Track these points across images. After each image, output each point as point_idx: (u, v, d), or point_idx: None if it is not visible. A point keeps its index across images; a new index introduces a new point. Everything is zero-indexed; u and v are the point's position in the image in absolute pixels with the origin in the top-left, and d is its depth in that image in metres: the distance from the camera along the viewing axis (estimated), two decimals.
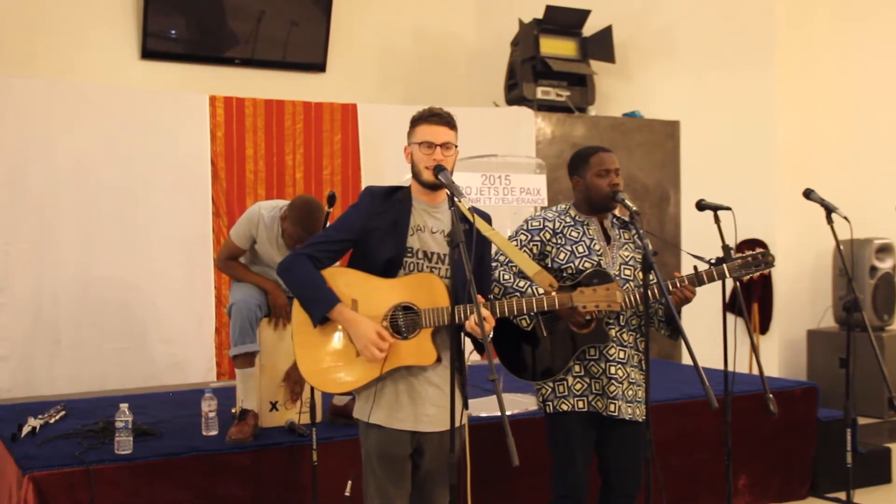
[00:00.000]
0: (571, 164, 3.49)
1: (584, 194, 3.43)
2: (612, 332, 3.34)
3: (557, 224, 3.40)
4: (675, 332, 3.46)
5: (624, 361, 3.35)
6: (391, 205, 3.05)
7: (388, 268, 3.00)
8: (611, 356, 3.33)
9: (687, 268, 3.47)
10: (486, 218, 3.16)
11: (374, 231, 3.01)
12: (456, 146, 3.06)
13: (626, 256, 3.41)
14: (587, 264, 3.32)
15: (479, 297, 2.84)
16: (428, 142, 3.00)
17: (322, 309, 2.96)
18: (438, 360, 3.00)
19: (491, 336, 2.98)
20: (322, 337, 3.02)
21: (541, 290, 3.20)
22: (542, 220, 3.41)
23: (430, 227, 3.05)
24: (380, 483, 3.01)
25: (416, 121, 3.07)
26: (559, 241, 3.37)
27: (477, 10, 8.44)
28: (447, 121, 3.05)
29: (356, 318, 2.95)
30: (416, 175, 3.06)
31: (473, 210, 3.05)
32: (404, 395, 3.00)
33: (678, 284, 3.31)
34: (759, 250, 3.44)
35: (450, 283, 2.91)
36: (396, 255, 2.99)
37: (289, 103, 6.54)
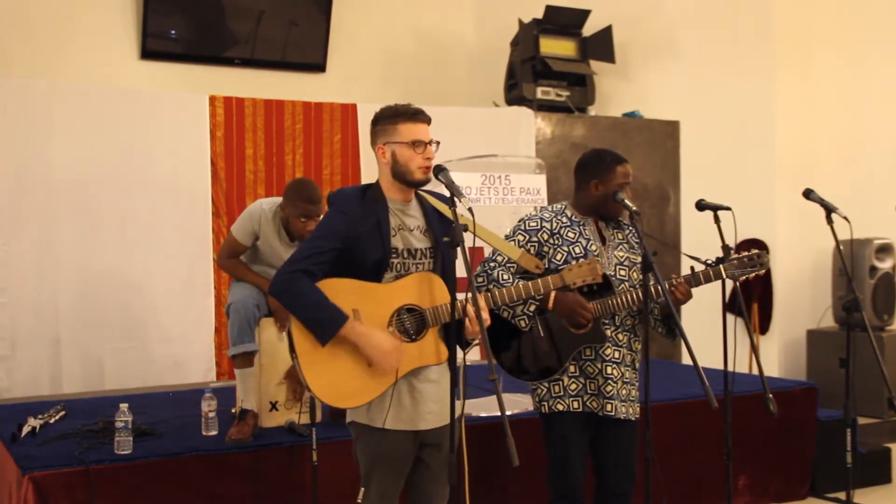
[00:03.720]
0: (591, 167, 3.44)
1: (599, 200, 3.41)
2: (608, 333, 3.35)
3: (554, 225, 3.40)
4: (671, 331, 3.47)
5: (619, 361, 3.36)
6: (368, 206, 3.00)
7: (376, 270, 2.96)
8: (607, 356, 3.34)
9: (686, 268, 3.48)
10: (446, 201, 3.04)
11: (359, 235, 2.95)
12: (437, 142, 3.03)
13: (621, 257, 3.42)
14: (592, 257, 3.33)
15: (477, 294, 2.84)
16: (418, 141, 2.97)
17: (331, 329, 2.87)
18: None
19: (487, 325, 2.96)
20: (330, 352, 2.92)
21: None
22: (539, 221, 3.41)
23: (408, 225, 3.03)
24: (384, 486, 3.00)
25: (395, 119, 3.00)
26: (556, 242, 3.37)
27: (477, 10, 8.44)
28: (428, 117, 3.03)
29: (367, 332, 2.89)
30: (401, 175, 2.99)
31: (438, 196, 3.04)
32: (406, 395, 2.99)
33: (674, 284, 3.33)
34: (754, 251, 3.44)
35: (443, 277, 2.90)
36: (383, 256, 2.96)
37: (288, 103, 6.54)
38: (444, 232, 2.92)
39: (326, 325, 2.87)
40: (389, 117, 3.02)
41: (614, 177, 3.38)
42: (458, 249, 2.80)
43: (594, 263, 3.14)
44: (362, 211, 2.99)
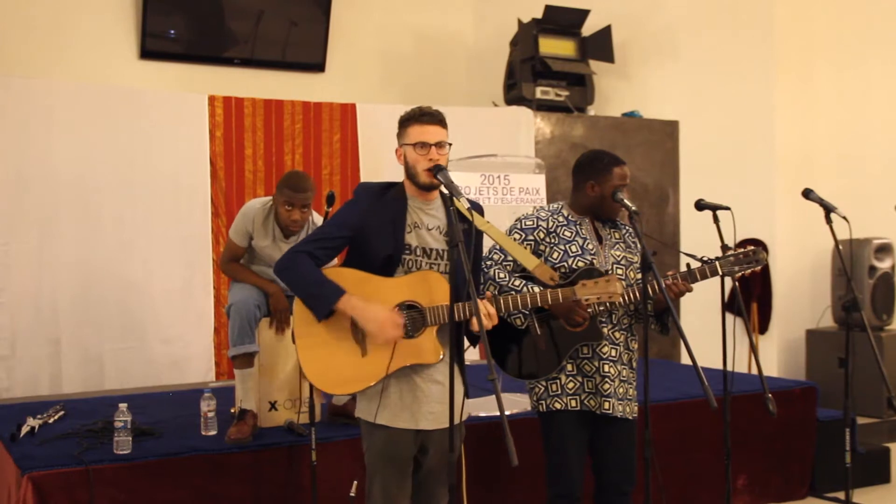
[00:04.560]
0: (587, 168, 3.45)
1: (595, 201, 3.42)
2: (605, 331, 3.36)
3: (550, 224, 3.41)
4: (665, 327, 3.48)
5: (616, 360, 3.38)
6: (386, 202, 3.03)
7: (387, 265, 2.99)
8: (604, 354, 3.35)
9: (684, 268, 3.48)
10: (479, 209, 3.12)
11: (371, 228, 2.98)
12: (449, 144, 3.04)
13: (618, 256, 3.44)
14: (580, 263, 3.34)
15: (483, 296, 2.86)
16: (422, 142, 2.98)
17: (328, 302, 2.91)
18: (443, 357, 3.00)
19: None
20: (326, 338, 2.98)
21: (536, 288, 3.21)
22: (535, 220, 3.42)
23: (426, 224, 3.04)
24: (384, 483, 3.00)
25: (407, 121, 3.04)
26: (553, 241, 3.38)
27: (476, 10, 8.44)
28: (439, 119, 3.03)
29: (366, 304, 2.92)
30: (411, 176, 3.03)
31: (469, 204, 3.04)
32: (408, 394, 2.99)
33: (671, 280, 3.34)
34: (750, 248, 3.44)
35: (450, 281, 2.91)
36: (395, 252, 2.98)
37: (288, 103, 6.55)
38: (465, 237, 2.93)
39: (323, 299, 2.92)
40: (403, 120, 3.07)
41: (611, 178, 3.39)
42: (460, 251, 2.81)
43: (613, 281, 3.12)
44: (379, 204, 3.02)
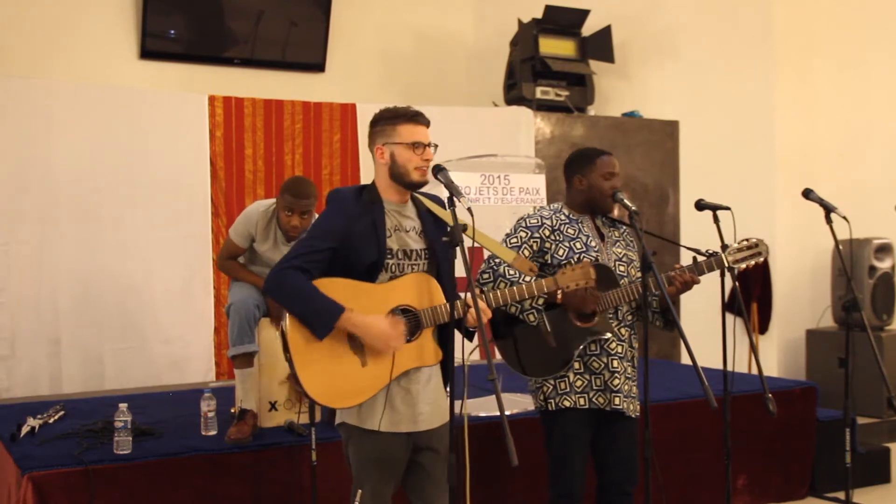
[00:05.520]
0: (573, 163, 3.51)
1: (584, 195, 3.46)
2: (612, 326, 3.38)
3: (554, 222, 3.43)
4: (669, 323, 3.49)
5: (622, 356, 3.39)
6: (364, 207, 2.99)
7: (371, 271, 2.95)
8: (612, 350, 3.36)
9: (685, 265, 3.49)
10: (441, 203, 3.09)
11: (355, 235, 2.94)
12: (436, 145, 3.03)
13: (620, 253, 3.46)
14: (586, 260, 3.34)
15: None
16: (418, 142, 2.98)
17: (329, 320, 2.84)
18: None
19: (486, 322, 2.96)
20: (324, 353, 2.91)
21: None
22: (539, 218, 3.44)
23: (404, 226, 3.03)
24: (375, 487, 2.99)
25: (395, 119, 3.00)
26: (557, 238, 3.40)
27: (476, 10, 8.45)
28: (427, 120, 3.04)
29: (366, 320, 2.88)
30: (398, 176, 2.99)
31: (432, 198, 3.08)
32: (397, 397, 2.97)
33: (676, 273, 3.36)
34: (753, 239, 3.46)
35: (446, 281, 2.91)
36: (379, 257, 2.94)
37: (288, 103, 6.55)
38: (439, 234, 2.94)
39: (323, 317, 2.85)
40: (389, 118, 3.02)
41: (595, 168, 3.42)
42: (458, 249, 2.81)
43: (587, 267, 3.15)
44: (358, 210, 2.98)
